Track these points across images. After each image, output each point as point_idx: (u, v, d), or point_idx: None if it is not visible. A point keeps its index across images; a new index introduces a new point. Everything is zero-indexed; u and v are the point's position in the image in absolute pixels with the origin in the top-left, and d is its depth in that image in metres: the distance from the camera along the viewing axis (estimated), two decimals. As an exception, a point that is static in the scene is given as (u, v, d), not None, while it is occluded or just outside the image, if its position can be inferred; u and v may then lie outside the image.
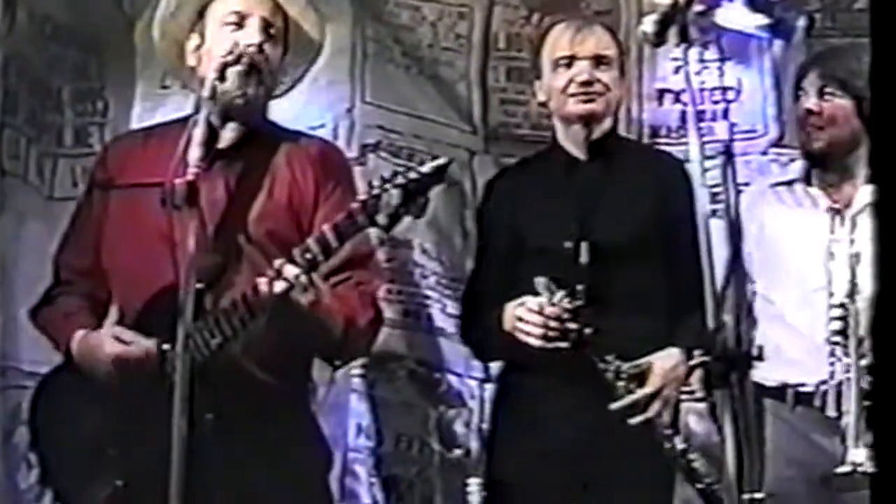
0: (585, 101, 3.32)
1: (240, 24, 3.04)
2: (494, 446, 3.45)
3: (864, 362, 3.24)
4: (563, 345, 3.11)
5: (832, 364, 3.29)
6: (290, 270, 2.72)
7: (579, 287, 3.16)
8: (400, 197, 2.64)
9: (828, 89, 3.51)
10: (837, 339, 3.26)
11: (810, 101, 3.52)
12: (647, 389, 3.13)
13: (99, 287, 3.14)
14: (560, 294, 3.11)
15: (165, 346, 2.81)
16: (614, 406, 3.10)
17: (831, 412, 3.28)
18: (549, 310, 3.10)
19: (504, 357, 3.41)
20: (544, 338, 3.11)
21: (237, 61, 2.94)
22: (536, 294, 3.15)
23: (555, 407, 3.19)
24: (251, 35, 3.02)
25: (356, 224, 2.71)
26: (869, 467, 3.09)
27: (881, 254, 1.61)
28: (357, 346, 3.17)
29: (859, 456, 3.13)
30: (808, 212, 3.53)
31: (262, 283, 2.76)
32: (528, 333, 3.14)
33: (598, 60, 3.34)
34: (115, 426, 2.91)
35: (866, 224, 3.41)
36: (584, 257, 3.21)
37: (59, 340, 3.08)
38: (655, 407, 3.13)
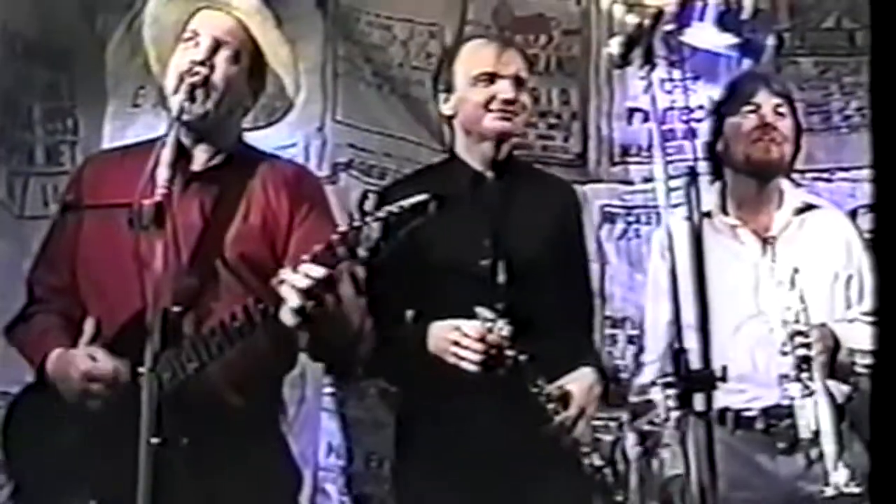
0: (504, 119, 3.34)
1: (195, 42, 3.06)
2: (405, 466, 3.40)
3: (830, 384, 3.29)
4: (501, 371, 3.11)
5: (788, 388, 3.31)
6: (316, 270, 2.70)
7: (499, 306, 3.17)
8: (380, 230, 2.63)
9: (781, 108, 3.62)
10: (802, 364, 3.27)
11: (770, 116, 3.59)
12: (573, 411, 3.16)
13: (73, 305, 3.13)
14: (500, 322, 3.11)
15: (141, 369, 2.80)
16: (546, 429, 3.12)
17: (804, 434, 3.28)
18: (490, 338, 3.10)
19: (417, 375, 3.29)
20: (482, 364, 3.11)
21: (188, 80, 2.95)
22: (457, 314, 3.16)
23: (475, 426, 3.15)
24: (198, 52, 3.03)
25: (336, 256, 2.70)
26: (852, 488, 3.12)
27: (881, 260, 1.61)
28: (364, 350, 3.16)
29: (841, 477, 3.14)
30: (729, 241, 3.58)
31: (275, 282, 2.73)
32: (464, 359, 3.12)
33: (518, 81, 3.37)
34: (88, 445, 2.91)
35: (788, 250, 3.52)
36: (501, 277, 3.22)
37: (34, 358, 3.07)
38: (581, 427, 3.16)
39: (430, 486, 3.22)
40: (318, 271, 2.66)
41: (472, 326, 3.13)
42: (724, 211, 3.64)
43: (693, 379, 2.30)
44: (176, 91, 2.96)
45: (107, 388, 2.88)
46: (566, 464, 3.15)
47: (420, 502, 3.28)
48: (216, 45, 3.05)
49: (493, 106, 3.33)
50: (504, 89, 3.33)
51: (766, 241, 3.55)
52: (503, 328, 3.10)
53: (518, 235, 3.30)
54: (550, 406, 3.12)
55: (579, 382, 3.22)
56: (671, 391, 2.32)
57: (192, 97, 2.94)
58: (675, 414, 3.37)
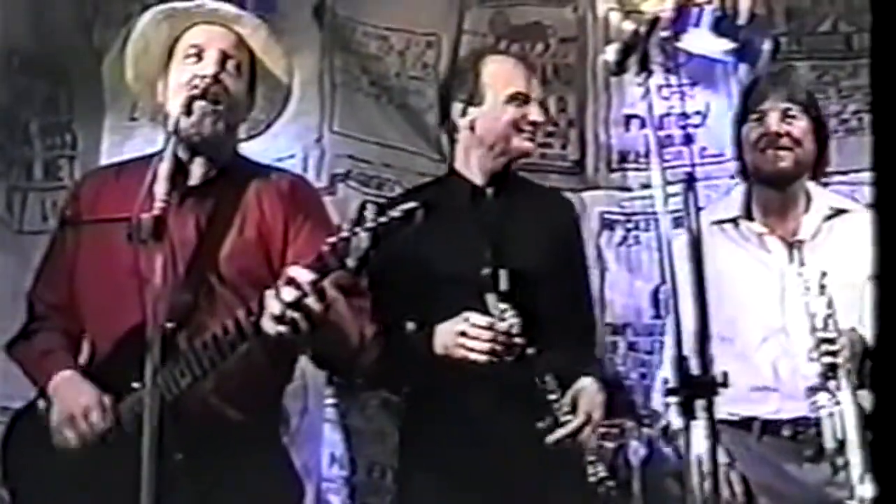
0: (530, 140, 3.44)
1: (199, 57, 3.05)
2: (406, 470, 3.43)
3: (856, 394, 3.23)
4: (509, 359, 3.13)
5: (817, 399, 3.26)
6: (302, 274, 2.70)
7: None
8: (369, 240, 2.64)
9: (791, 112, 3.56)
10: (829, 373, 3.23)
11: (775, 125, 3.54)
12: (581, 417, 3.18)
13: (73, 322, 3.14)
14: (510, 312, 3.14)
15: (136, 385, 2.80)
16: (553, 437, 3.13)
17: (829, 444, 3.23)
18: (499, 325, 3.14)
19: (422, 381, 3.34)
20: (491, 353, 3.13)
21: (193, 93, 2.94)
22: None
23: (480, 429, 3.18)
24: (207, 66, 3.03)
25: (326, 267, 2.69)
26: None
27: (881, 257, 1.61)
28: (367, 358, 3.15)
29: (867, 491, 3.08)
30: (756, 249, 3.55)
31: (270, 294, 2.73)
32: (472, 349, 3.15)
33: (541, 104, 3.49)
34: (86, 462, 2.90)
35: (816, 256, 3.46)
36: (503, 284, 3.23)
37: (38, 378, 3.07)
38: (587, 432, 3.18)
39: (435, 491, 3.24)
40: (303, 275, 2.67)
41: (479, 317, 3.16)
42: (750, 216, 3.59)
43: (694, 385, 2.29)
44: (187, 107, 2.93)
45: (90, 432, 2.90)
46: (570, 470, 3.15)
47: None
48: (223, 59, 3.05)
49: (524, 126, 3.41)
50: (535, 112, 3.43)
51: (792, 247, 3.49)
52: (512, 318, 3.13)
53: (517, 247, 3.33)
54: (556, 406, 3.14)
55: (586, 388, 3.25)
56: (674, 398, 2.31)
57: (189, 111, 2.93)
58: (678, 421, 3.39)
